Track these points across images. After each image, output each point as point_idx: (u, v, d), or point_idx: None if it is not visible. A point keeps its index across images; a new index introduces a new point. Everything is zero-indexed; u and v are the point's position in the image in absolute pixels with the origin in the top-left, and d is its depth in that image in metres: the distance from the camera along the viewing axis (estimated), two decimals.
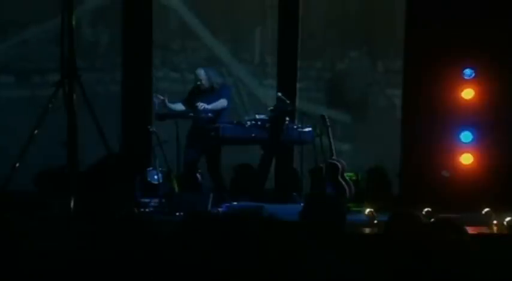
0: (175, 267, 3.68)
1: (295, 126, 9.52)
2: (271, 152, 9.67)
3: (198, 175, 9.41)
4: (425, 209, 8.42)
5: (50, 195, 8.16)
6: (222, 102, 9.22)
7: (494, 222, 8.12)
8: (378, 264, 3.94)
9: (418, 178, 10.07)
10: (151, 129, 9.27)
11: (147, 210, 8.79)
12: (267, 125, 9.33)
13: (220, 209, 8.52)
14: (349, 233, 4.79)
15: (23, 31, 10.46)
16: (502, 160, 9.94)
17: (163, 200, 8.86)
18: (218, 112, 9.23)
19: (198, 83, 9.32)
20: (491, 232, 7.79)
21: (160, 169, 9.23)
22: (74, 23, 7.58)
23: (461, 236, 3.89)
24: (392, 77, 11.01)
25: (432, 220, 5.65)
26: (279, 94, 9.66)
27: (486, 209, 8.51)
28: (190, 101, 9.33)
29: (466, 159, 10.20)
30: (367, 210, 8.40)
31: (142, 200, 8.99)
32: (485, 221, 8.19)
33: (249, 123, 9.34)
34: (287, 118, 9.42)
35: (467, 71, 10.09)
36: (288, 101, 9.53)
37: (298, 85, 10.90)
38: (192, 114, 9.25)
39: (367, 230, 7.60)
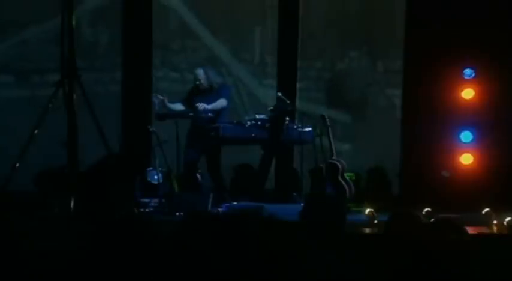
0: (175, 267, 3.68)
1: (295, 126, 9.51)
2: (271, 152, 9.67)
3: (198, 175, 9.41)
4: (425, 209, 8.42)
5: (50, 195, 8.15)
6: (222, 102, 9.22)
7: (494, 222, 8.12)
8: (378, 264, 3.94)
9: (418, 178, 10.07)
10: (151, 129, 9.27)
11: (147, 210, 8.79)
12: (267, 125, 9.33)
13: (220, 209, 8.52)
14: (349, 233, 4.80)
15: (22, 31, 10.46)
16: (502, 160, 9.94)
17: (163, 200, 8.86)
18: (218, 112, 9.23)
19: (197, 82, 9.32)
20: (491, 232, 7.79)
21: (160, 169, 9.22)
22: (74, 23, 7.58)
23: (461, 236, 3.89)
24: (392, 77, 11.01)
25: (432, 220, 5.65)
26: (279, 94, 9.66)
27: (486, 209, 8.51)
28: (189, 101, 9.33)
29: (466, 159, 10.20)
30: (367, 210, 8.40)
31: (142, 200, 8.99)
32: (485, 221, 8.19)
33: (249, 123, 9.33)
34: (287, 118, 9.42)
35: (467, 71, 10.09)
36: (288, 101, 9.52)
37: (298, 85, 10.90)
38: (192, 114, 9.24)
39: (367, 230, 7.60)
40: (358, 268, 3.86)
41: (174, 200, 8.75)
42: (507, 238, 7.56)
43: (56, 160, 8.00)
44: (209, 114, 9.19)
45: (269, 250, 3.71)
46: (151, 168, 9.42)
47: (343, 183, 9.36)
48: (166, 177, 9.22)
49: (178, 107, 9.36)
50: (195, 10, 10.89)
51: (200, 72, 9.34)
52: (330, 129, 9.55)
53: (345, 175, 9.45)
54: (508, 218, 7.94)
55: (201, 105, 9.11)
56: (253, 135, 9.30)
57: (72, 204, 7.27)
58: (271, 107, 9.54)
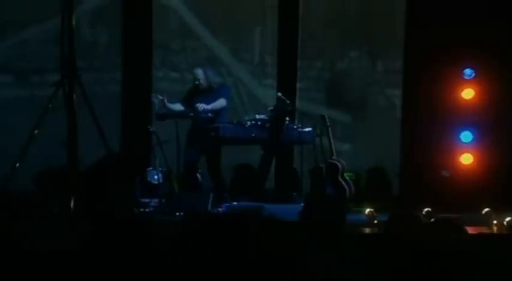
0: (175, 267, 3.68)
1: (295, 126, 9.51)
2: (271, 152, 9.67)
3: (198, 175, 9.40)
4: (425, 209, 8.42)
5: (50, 195, 8.16)
6: (221, 102, 9.22)
7: (494, 222, 8.13)
8: (378, 264, 3.94)
9: (418, 178, 10.07)
10: (151, 130, 9.27)
11: (147, 210, 8.79)
12: (267, 125, 9.33)
13: (220, 209, 8.52)
14: (349, 233, 4.79)
15: (22, 31, 10.46)
16: (502, 160, 9.94)
17: (163, 200, 8.86)
18: (217, 112, 9.23)
19: (196, 82, 9.32)
20: (491, 232, 7.79)
21: (160, 169, 9.22)
22: (73, 23, 7.58)
23: (461, 236, 3.89)
24: (392, 77, 11.01)
25: (432, 220, 5.65)
26: (279, 94, 9.65)
27: (486, 209, 8.51)
28: (189, 100, 9.33)
29: (466, 159, 10.20)
30: (367, 210, 8.40)
31: (142, 200, 8.99)
32: (485, 221, 8.19)
33: (249, 123, 9.33)
34: (287, 118, 9.42)
35: (467, 71, 10.09)
36: (288, 101, 9.52)
37: (298, 85, 10.90)
38: (191, 114, 9.24)
39: (367, 230, 7.60)
40: (358, 268, 3.86)
41: (174, 200, 8.75)
42: (507, 238, 7.56)
43: (56, 160, 8.00)
44: (209, 114, 9.18)
45: (269, 250, 3.71)
46: (151, 168, 9.42)
47: (343, 183, 9.36)
48: (166, 177, 9.22)
49: (178, 107, 9.36)
50: (195, 10, 10.89)
51: (199, 72, 9.34)
52: (330, 129, 9.55)
53: (345, 175, 9.45)
54: (508, 218, 7.95)
55: (201, 106, 9.11)
56: (253, 135, 9.30)
57: (72, 204, 7.27)
58: (271, 107, 9.54)
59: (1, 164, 8.12)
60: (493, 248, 5.86)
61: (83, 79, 7.63)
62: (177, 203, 8.60)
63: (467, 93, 10.13)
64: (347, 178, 9.44)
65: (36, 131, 7.61)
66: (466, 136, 10.17)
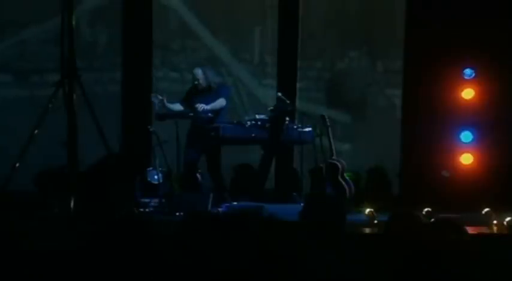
0: (175, 267, 3.68)
1: (295, 126, 9.51)
2: (271, 152, 9.67)
3: (198, 175, 9.40)
4: (425, 209, 8.42)
5: (50, 195, 8.16)
6: (221, 102, 9.21)
7: (494, 222, 8.13)
8: (378, 264, 3.94)
9: (418, 178, 10.07)
10: (151, 130, 9.27)
11: (147, 210, 8.79)
12: (267, 125, 9.33)
13: (220, 209, 8.52)
14: (349, 233, 4.79)
15: (22, 31, 10.46)
16: (502, 160, 9.94)
17: (163, 200, 8.87)
18: (217, 112, 9.23)
19: (196, 82, 9.31)
20: (491, 232, 7.79)
21: (160, 169, 9.22)
22: (73, 23, 7.58)
23: (461, 236, 3.89)
24: (392, 77, 11.01)
25: (432, 220, 5.65)
26: (279, 94, 9.65)
27: (486, 209, 8.51)
28: (188, 100, 9.33)
29: (466, 159, 10.20)
30: (367, 210, 8.40)
31: (142, 200, 8.99)
32: (485, 221, 8.19)
33: (249, 123, 9.33)
34: (287, 118, 9.42)
35: (467, 71, 10.09)
36: (288, 101, 9.52)
37: (298, 85, 10.90)
38: (191, 114, 9.24)
39: (367, 230, 7.60)
40: (358, 268, 3.86)
41: (174, 200, 8.75)
42: (507, 238, 7.56)
43: (56, 160, 8.00)
44: (209, 114, 9.18)
45: (269, 250, 3.71)
46: (151, 168, 9.42)
47: (343, 183, 9.35)
48: (166, 177, 9.22)
49: (178, 107, 9.35)
50: (195, 10, 10.89)
51: (198, 72, 9.34)
52: (330, 129, 9.55)
53: (345, 175, 9.45)
54: (508, 218, 7.95)
55: (201, 106, 9.10)
56: (253, 135, 9.30)
57: (72, 204, 7.27)
58: (271, 107, 9.54)
59: (1, 164, 8.12)
60: (493, 248, 5.86)
61: (83, 79, 7.63)
62: (177, 203, 8.60)
63: (467, 93, 10.13)
64: (347, 178, 9.44)
65: (36, 131, 7.61)
66: (466, 136, 10.17)
